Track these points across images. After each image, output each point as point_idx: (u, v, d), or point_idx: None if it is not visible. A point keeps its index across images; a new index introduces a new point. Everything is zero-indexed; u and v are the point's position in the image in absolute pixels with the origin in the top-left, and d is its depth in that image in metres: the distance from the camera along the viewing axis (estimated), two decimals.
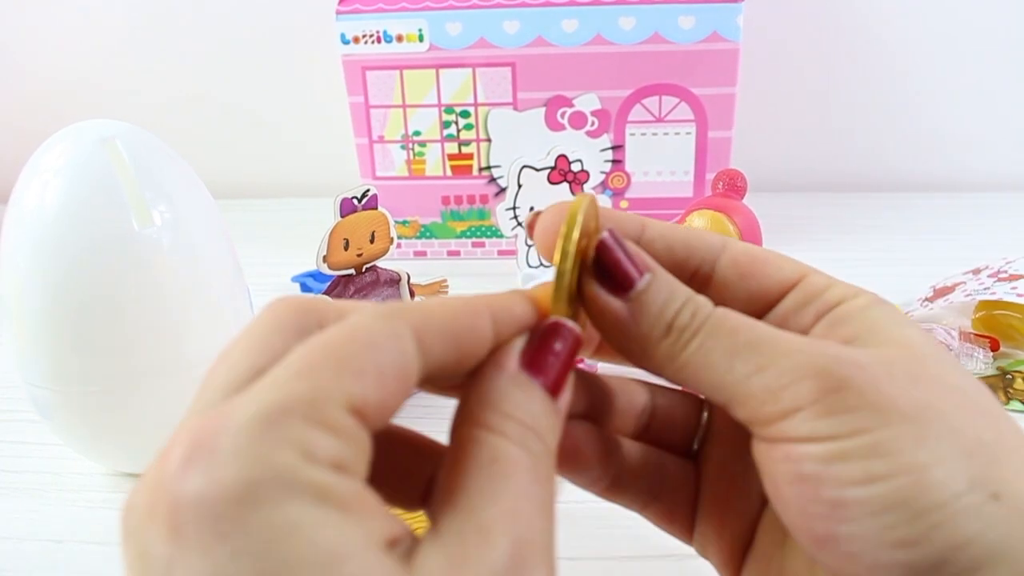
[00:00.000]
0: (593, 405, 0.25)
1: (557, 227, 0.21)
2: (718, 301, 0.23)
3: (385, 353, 0.17)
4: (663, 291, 0.21)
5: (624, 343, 0.22)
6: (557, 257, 0.21)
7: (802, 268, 0.23)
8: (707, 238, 0.24)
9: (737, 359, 0.20)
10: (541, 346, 0.20)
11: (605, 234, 0.22)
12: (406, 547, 0.16)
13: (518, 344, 0.20)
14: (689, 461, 0.26)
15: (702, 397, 0.26)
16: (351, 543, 0.14)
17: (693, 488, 0.26)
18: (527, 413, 0.19)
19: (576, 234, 0.21)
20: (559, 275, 0.20)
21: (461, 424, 0.19)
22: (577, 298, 0.22)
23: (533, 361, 0.19)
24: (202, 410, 0.16)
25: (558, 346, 0.20)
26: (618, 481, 0.25)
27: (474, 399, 0.19)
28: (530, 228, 0.23)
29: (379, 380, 0.16)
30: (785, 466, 0.19)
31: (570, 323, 0.20)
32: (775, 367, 0.19)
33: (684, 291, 0.21)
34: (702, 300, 0.21)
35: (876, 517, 0.18)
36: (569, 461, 0.25)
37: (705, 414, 0.26)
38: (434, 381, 0.20)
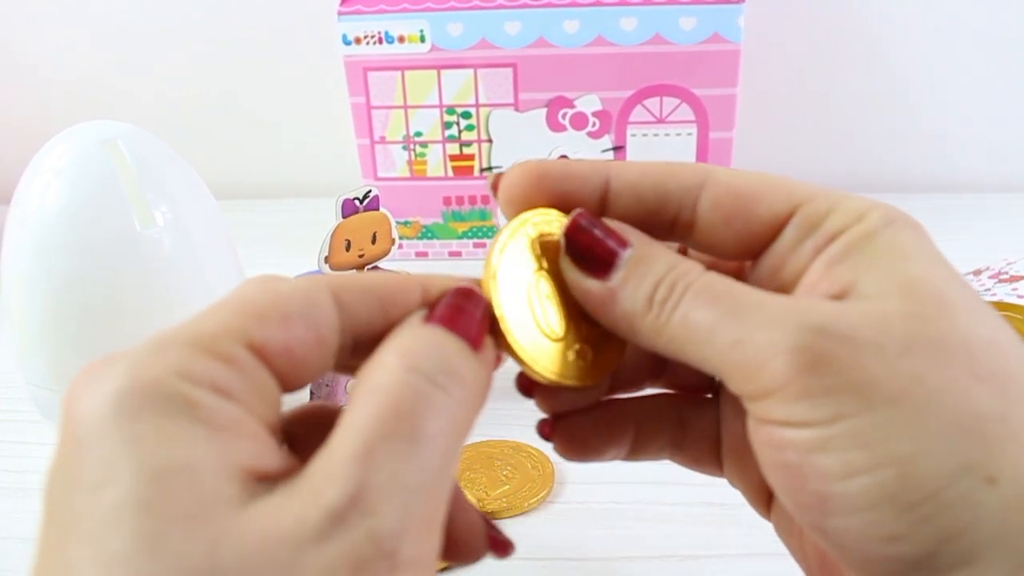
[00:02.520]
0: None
1: (521, 188, 0.21)
2: (708, 244, 0.21)
3: (291, 302, 0.18)
4: (643, 264, 0.20)
5: (611, 322, 0.20)
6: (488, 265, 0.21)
7: (797, 195, 0.20)
8: (683, 178, 0.21)
9: (717, 331, 0.18)
10: (445, 301, 0.19)
11: (575, 216, 0.21)
12: (275, 485, 0.16)
13: (422, 311, 0.19)
14: (709, 400, 0.25)
15: None
16: (198, 458, 0.15)
17: (715, 428, 0.24)
18: (406, 345, 0.18)
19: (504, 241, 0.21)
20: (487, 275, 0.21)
21: (357, 378, 0.18)
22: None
23: (437, 312, 0.19)
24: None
25: (464, 301, 0.19)
26: (637, 447, 0.24)
27: (374, 354, 0.18)
28: (494, 189, 0.22)
29: (283, 323, 0.17)
30: (770, 452, 0.18)
31: (466, 286, 0.20)
32: (752, 341, 0.18)
33: (665, 262, 0.20)
34: (685, 268, 0.20)
35: (861, 513, 0.17)
36: (582, 452, 0.24)
37: None
38: (369, 346, 0.19)
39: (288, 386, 0.18)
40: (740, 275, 0.22)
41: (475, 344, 0.19)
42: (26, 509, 0.40)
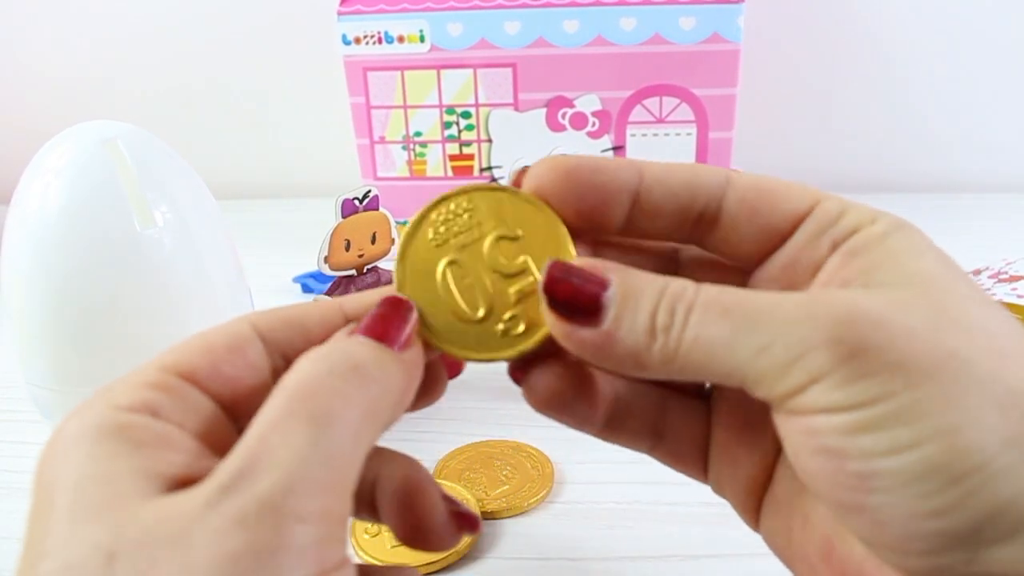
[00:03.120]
0: (598, 398, 0.24)
1: (551, 182, 0.21)
2: (726, 240, 0.22)
3: (214, 336, 0.20)
4: (631, 299, 0.20)
5: (615, 365, 0.20)
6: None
7: (814, 194, 0.21)
8: (710, 175, 0.22)
9: (739, 342, 0.18)
10: (370, 312, 0.21)
11: (549, 268, 0.20)
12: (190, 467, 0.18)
13: (350, 326, 0.21)
14: (698, 400, 0.25)
15: None
16: (115, 468, 0.17)
17: (702, 428, 0.24)
18: (329, 347, 0.19)
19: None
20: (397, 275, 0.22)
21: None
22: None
23: (361, 324, 0.21)
24: None
25: (389, 309, 0.21)
26: (614, 421, 0.24)
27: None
28: (516, 185, 0.22)
29: (207, 352, 0.20)
30: (807, 439, 0.18)
31: (391, 296, 0.21)
32: (781, 341, 0.18)
33: (654, 287, 0.20)
34: (678, 287, 0.19)
35: (907, 487, 0.17)
36: (548, 402, 0.23)
37: None
38: None
39: (238, 408, 0.20)
40: (742, 283, 0.22)
41: (392, 343, 0.20)
42: (25, 509, 0.40)
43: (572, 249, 0.22)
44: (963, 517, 0.16)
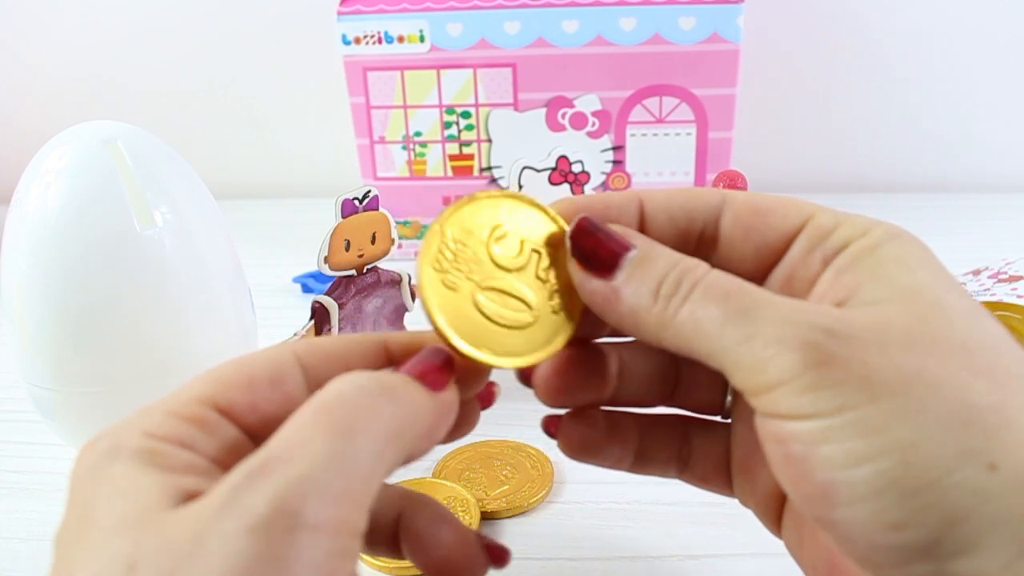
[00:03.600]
0: (605, 383, 0.25)
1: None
2: (726, 260, 0.23)
3: (255, 368, 0.20)
4: (649, 261, 0.21)
5: (615, 320, 0.21)
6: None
7: (807, 209, 0.22)
8: (705, 197, 0.23)
9: (727, 327, 0.19)
10: (416, 357, 0.21)
11: (580, 220, 0.22)
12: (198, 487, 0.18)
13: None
14: (718, 424, 0.26)
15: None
16: (139, 485, 0.18)
17: (723, 449, 0.25)
18: (363, 372, 0.20)
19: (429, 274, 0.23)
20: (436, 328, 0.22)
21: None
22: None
23: (404, 365, 0.21)
24: None
25: (431, 356, 0.21)
26: (642, 458, 0.25)
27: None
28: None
29: (247, 387, 0.20)
30: (776, 446, 0.19)
31: (436, 347, 0.22)
32: (762, 337, 0.18)
33: (668, 259, 0.21)
34: (691, 264, 0.21)
35: (866, 501, 0.17)
36: (583, 450, 0.25)
37: None
38: None
39: (264, 431, 0.20)
40: None
41: (430, 383, 0.20)
42: (26, 509, 0.40)
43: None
44: (921, 531, 0.17)
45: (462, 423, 0.23)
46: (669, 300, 0.20)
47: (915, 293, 0.19)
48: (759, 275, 0.23)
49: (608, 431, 0.25)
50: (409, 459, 0.20)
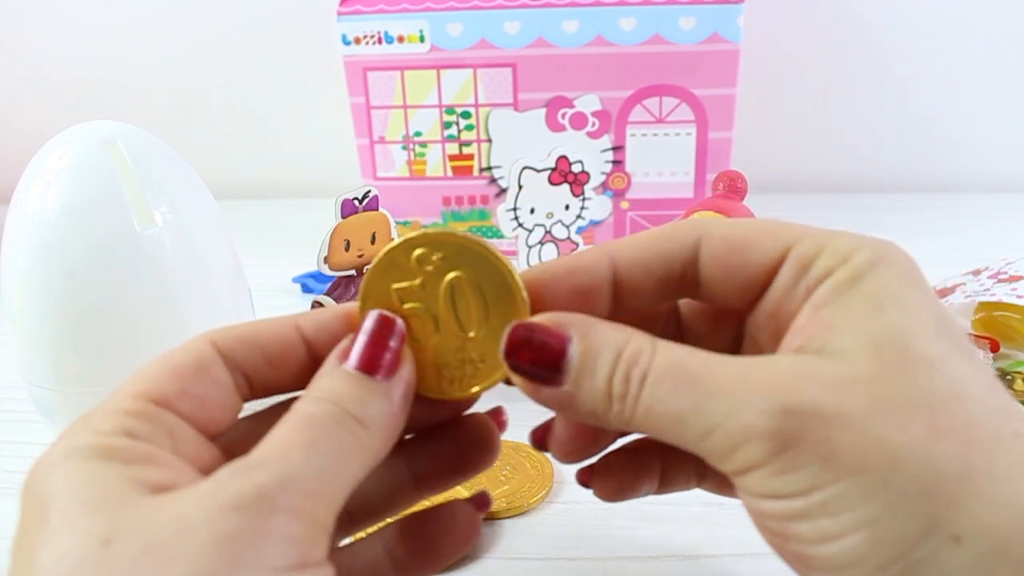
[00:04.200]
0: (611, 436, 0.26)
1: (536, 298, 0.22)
2: (710, 296, 0.22)
3: (179, 360, 0.21)
4: (589, 363, 0.20)
5: (583, 418, 0.21)
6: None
7: (787, 238, 0.21)
8: (679, 239, 0.22)
9: (687, 423, 0.19)
10: (361, 338, 0.22)
11: (509, 333, 0.21)
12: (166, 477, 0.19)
13: (339, 347, 0.22)
14: None
15: None
16: (105, 475, 0.18)
17: None
18: (325, 387, 0.21)
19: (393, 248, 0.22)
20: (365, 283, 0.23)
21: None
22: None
23: (354, 353, 0.21)
24: None
25: (365, 334, 0.22)
26: (666, 480, 0.26)
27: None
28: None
29: (174, 377, 0.21)
30: (754, 516, 0.20)
31: (383, 312, 0.22)
32: (724, 429, 0.18)
33: (612, 348, 0.20)
34: (635, 349, 0.20)
35: (839, 572, 0.18)
36: (619, 492, 0.26)
37: None
38: (265, 385, 0.23)
39: (211, 425, 0.22)
40: (741, 320, 0.24)
41: (381, 371, 0.21)
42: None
43: (525, 297, 0.22)
44: None
45: (485, 454, 0.25)
46: (624, 400, 0.20)
47: (882, 344, 0.18)
48: (746, 306, 0.22)
49: (637, 471, 0.26)
50: (376, 461, 0.21)
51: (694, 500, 0.37)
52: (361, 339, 0.22)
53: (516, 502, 0.37)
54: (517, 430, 0.43)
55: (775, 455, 0.18)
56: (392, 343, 0.22)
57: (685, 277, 0.22)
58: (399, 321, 0.22)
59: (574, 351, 0.20)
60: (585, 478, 0.26)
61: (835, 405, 0.18)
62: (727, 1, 0.58)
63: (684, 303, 0.25)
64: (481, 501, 0.26)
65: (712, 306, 0.24)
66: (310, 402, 0.20)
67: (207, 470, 0.19)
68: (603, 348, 0.20)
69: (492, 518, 0.37)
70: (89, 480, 0.18)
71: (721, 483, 0.26)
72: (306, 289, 0.62)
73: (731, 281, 0.22)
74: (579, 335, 0.20)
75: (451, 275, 0.22)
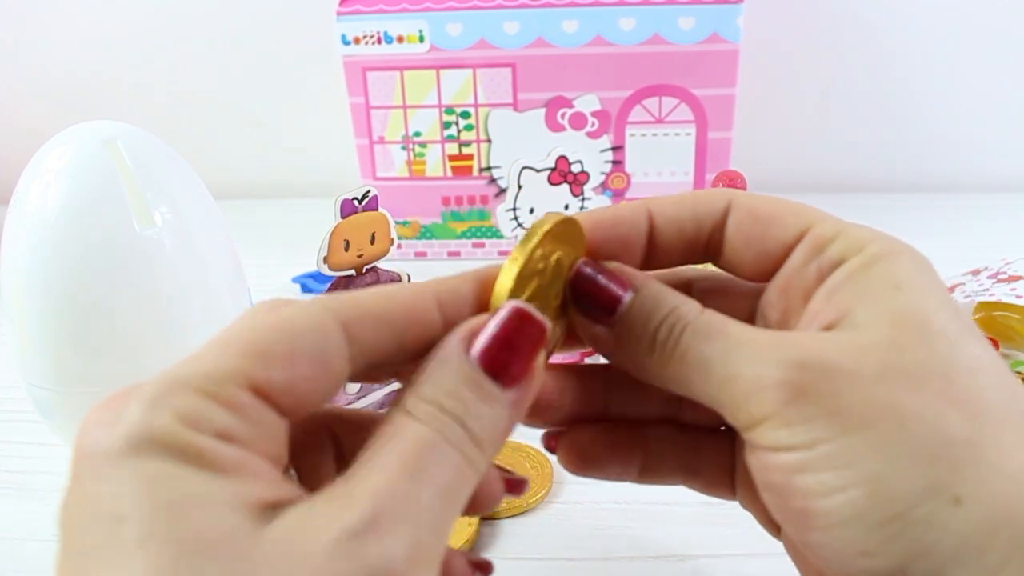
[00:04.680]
0: (610, 398, 0.25)
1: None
2: (730, 264, 0.23)
3: (299, 339, 0.17)
4: (646, 307, 0.21)
5: (618, 362, 0.22)
6: (517, 252, 0.20)
7: (809, 217, 0.22)
8: (712, 202, 0.23)
9: (711, 370, 0.20)
10: (489, 331, 0.19)
11: (578, 267, 0.22)
12: (285, 510, 0.16)
13: (463, 328, 0.19)
14: (725, 432, 0.26)
15: None
16: (206, 496, 0.15)
17: (729, 456, 0.26)
18: (446, 396, 0.18)
19: (545, 229, 0.21)
20: (513, 259, 0.20)
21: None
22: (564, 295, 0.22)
23: (477, 346, 0.19)
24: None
25: (504, 330, 0.19)
26: (648, 469, 0.26)
27: (412, 379, 0.19)
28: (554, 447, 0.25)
29: (288, 363, 0.17)
30: (760, 474, 0.20)
31: (527, 308, 0.19)
32: (742, 378, 0.19)
33: (668, 303, 0.21)
34: (685, 309, 0.21)
35: (837, 528, 0.18)
36: (585, 466, 0.25)
37: None
38: (382, 367, 0.20)
39: (294, 415, 0.18)
40: (751, 309, 0.24)
41: (510, 380, 0.19)
42: (26, 509, 0.40)
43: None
44: (887, 560, 0.18)
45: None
46: (664, 346, 0.21)
47: (900, 318, 0.19)
48: (761, 279, 0.23)
49: (611, 446, 0.25)
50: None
51: (694, 500, 0.37)
52: (492, 329, 0.19)
53: (516, 502, 0.37)
54: (517, 430, 0.43)
55: (785, 404, 0.18)
56: (534, 354, 0.19)
57: (712, 240, 0.23)
58: (548, 325, 0.19)
59: (631, 299, 0.21)
60: (552, 443, 0.25)
61: (849, 363, 0.18)
62: (727, 1, 0.58)
63: (698, 285, 0.25)
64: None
65: (733, 274, 0.24)
66: (412, 426, 0.17)
67: (280, 464, 0.17)
68: (660, 300, 0.21)
69: (492, 518, 0.37)
70: (184, 499, 0.15)
71: (708, 480, 0.26)
72: (306, 289, 0.62)
73: (750, 251, 0.22)
74: (642, 286, 0.22)
75: (555, 256, 0.22)
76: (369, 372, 0.20)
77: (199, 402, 0.16)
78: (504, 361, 0.19)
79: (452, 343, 0.19)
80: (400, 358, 0.19)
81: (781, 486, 0.19)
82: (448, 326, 0.19)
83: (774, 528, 0.25)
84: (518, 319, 0.19)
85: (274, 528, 0.15)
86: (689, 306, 0.21)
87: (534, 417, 0.25)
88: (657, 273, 0.25)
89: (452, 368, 0.18)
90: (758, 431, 0.19)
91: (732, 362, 0.20)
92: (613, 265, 0.22)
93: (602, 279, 0.22)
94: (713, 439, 0.26)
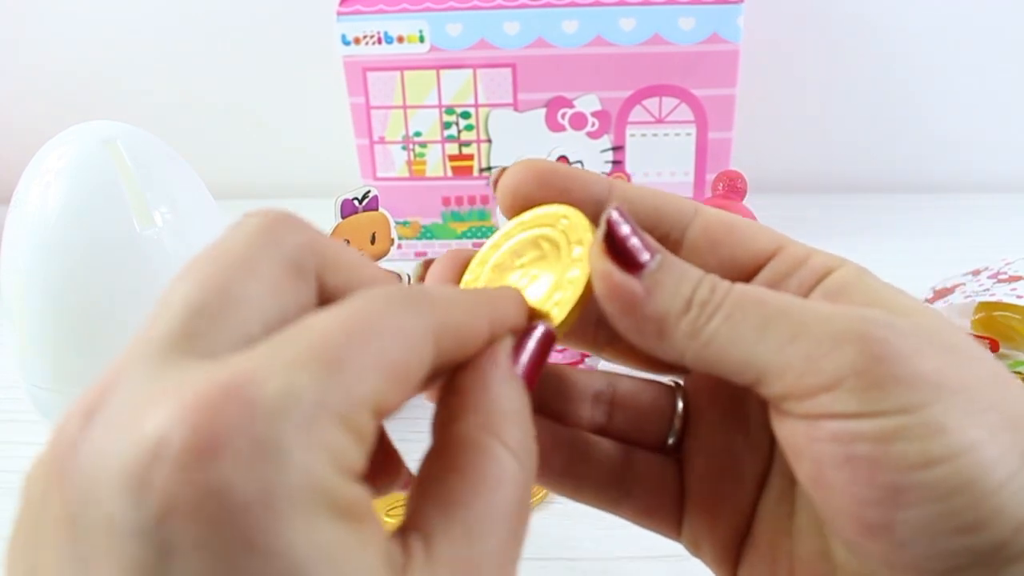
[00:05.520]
0: (539, 392, 0.22)
1: (527, 184, 0.22)
2: None
3: (410, 353, 0.16)
4: (676, 268, 0.19)
5: (640, 324, 0.19)
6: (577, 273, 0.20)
7: (779, 239, 0.21)
8: (679, 203, 0.22)
9: (769, 328, 0.18)
10: (525, 347, 0.19)
11: (614, 211, 0.20)
12: (396, 554, 0.15)
13: (507, 343, 0.19)
14: (664, 456, 0.24)
15: (678, 384, 0.24)
16: (364, 566, 0.13)
17: (673, 483, 0.23)
18: (523, 418, 0.18)
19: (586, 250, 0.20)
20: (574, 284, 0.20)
21: (453, 421, 0.17)
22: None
23: (522, 361, 0.19)
24: (205, 361, 0.14)
25: (540, 348, 0.19)
26: (572, 472, 0.23)
27: (469, 397, 0.17)
28: (495, 184, 0.22)
29: (402, 382, 0.15)
30: (832, 447, 0.17)
31: (551, 327, 0.20)
32: (812, 333, 0.17)
33: (697, 271, 0.20)
34: (717, 279, 0.19)
35: (939, 502, 0.16)
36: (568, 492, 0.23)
37: (680, 403, 0.24)
38: (429, 382, 0.19)
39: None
40: None
41: (531, 388, 0.19)
42: None
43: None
44: (990, 534, 0.16)
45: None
46: (704, 307, 0.19)
47: (925, 310, 0.18)
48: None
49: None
50: None
51: None
52: (532, 348, 0.19)
53: None
54: None
55: (872, 362, 0.17)
56: (542, 366, 0.19)
57: (668, 239, 0.22)
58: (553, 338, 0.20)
59: (660, 257, 0.19)
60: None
61: (922, 339, 0.17)
62: (727, 1, 0.58)
63: None
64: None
65: None
66: (514, 448, 0.17)
67: None
68: (689, 267, 0.20)
69: None
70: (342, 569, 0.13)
71: (642, 507, 0.23)
72: None
73: (714, 256, 0.21)
74: (666, 254, 0.20)
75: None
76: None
77: (344, 438, 0.14)
78: (533, 379, 0.19)
79: (501, 357, 0.18)
80: (447, 367, 0.18)
81: (866, 458, 0.17)
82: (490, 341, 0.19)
83: (728, 568, 0.23)
84: (548, 339, 0.19)
85: None
86: (715, 276, 0.20)
87: (551, 480, 0.23)
88: None
89: (506, 377, 0.18)
90: (832, 396, 0.17)
91: (795, 321, 0.18)
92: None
93: (634, 231, 0.20)
94: (650, 459, 0.24)
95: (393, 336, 0.15)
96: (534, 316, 0.20)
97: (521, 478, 0.17)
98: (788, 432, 0.19)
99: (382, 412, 0.15)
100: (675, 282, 0.19)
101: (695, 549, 0.23)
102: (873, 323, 0.17)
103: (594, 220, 0.21)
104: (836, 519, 0.18)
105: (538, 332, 0.19)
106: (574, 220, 0.21)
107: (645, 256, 0.19)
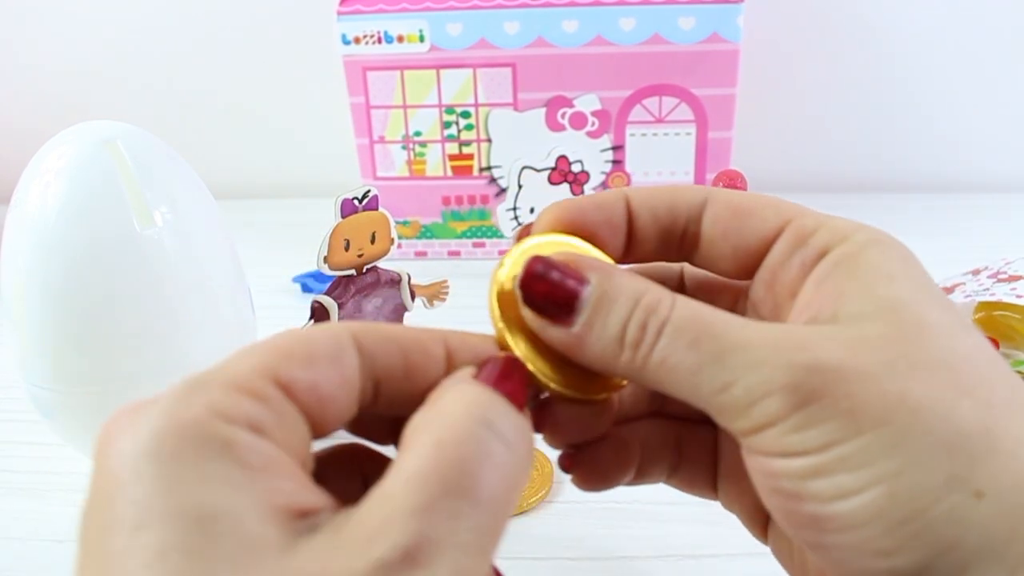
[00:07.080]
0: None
1: (561, 227, 0.22)
2: (707, 259, 0.22)
3: (316, 343, 0.18)
4: (604, 307, 0.19)
5: (587, 364, 0.20)
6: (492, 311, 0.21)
7: (787, 212, 0.21)
8: (688, 195, 0.22)
9: (703, 376, 0.18)
10: (494, 365, 0.19)
11: (528, 265, 0.20)
12: (316, 523, 0.15)
13: (469, 368, 0.20)
14: (707, 425, 0.25)
15: None
16: (237, 501, 0.15)
17: (711, 452, 0.25)
18: (479, 401, 0.18)
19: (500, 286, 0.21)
20: (497, 330, 0.21)
21: (413, 425, 0.18)
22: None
23: (486, 373, 0.19)
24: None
25: (510, 368, 0.19)
26: (642, 471, 0.25)
27: (428, 405, 0.18)
28: (520, 239, 0.23)
29: (308, 362, 0.18)
30: (765, 480, 0.19)
31: (518, 357, 0.20)
32: (743, 382, 0.18)
33: (629, 296, 0.19)
34: (653, 300, 0.19)
35: (856, 529, 0.17)
36: (598, 482, 0.24)
37: None
38: (391, 398, 0.20)
39: (316, 430, 0.18)
40: (740, 295, 0.23)
41: (520, 407, 0.19)
42: (26, 509, 0.40)
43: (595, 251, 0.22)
44: (910, 557, 0.17)
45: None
46: (637, 348, 0.19)
47: (896, 309, 0.18)
48: (741, 276, 0.23)
49: (616, 458, 0.24)
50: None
51: (694, 500, 0.37)
52: (495, 364, 0.19)
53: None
54: None
55: (796, 409, 0.17)
56: (522, 381, 0.20)
57: (687, 234, 0.22)
58: (529, 371, 0.20)
59: (590, 293, 0.20)
60: (567, 464, 0.24)
61: (857, 362, 0.18)
62: (727, 1, 0.58)
63: (688, 279, 0.25)
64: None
65: (711, 272, 0.23)
66: (459, 420, 0.17)
67: (307, 470, 0.17)
68: (622, 294, 0.20)
69: None
70: (217, 506, 0.14)
71: (688, 478, 0.25)
72: (306, 289, 0.62)
73: (727, 245, 0.22)
74: (598, 278, 0.20)
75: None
76: (377, 399, 0.19)
77: (229, 394, 0.16)
78: (511, 388, 0.19)
79: (459, 373, 0.19)
80: (407, 389, 0.19)
81: (791, 492, 0.18)
82: (452, 368, 0.20)
83: (759, 529, 0.24)
84: (513, 362, 0.20)
85: (302, 551, 0.15)
86: (656, 296, 0.19)
87: (556, 438, 0.24)
88: (648, 267, 0.24)
89: (467, 380, 0.19)
90: (762, 436, 0.18)
91: (726, 368, 0.18)
92: (563, 256, 0.21)
93: (555, 274, 0.20)
94: (695, 433, 0.25)
95: (294, 336, 0.18)
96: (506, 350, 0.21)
97: (472, 443, 0.17)
98: (743, 457, 0.20)
99: (292, 384, 0.17)
100: (603, 325, 0.20)
101: (729, 508, 0.25)
102: (803, 368, 0.18)
103: (616, 243, 0.22)
104: (787, 533, 0.20)
105: (501, 355, 0.20)
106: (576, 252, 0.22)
107: (572, 297, 0.20)
